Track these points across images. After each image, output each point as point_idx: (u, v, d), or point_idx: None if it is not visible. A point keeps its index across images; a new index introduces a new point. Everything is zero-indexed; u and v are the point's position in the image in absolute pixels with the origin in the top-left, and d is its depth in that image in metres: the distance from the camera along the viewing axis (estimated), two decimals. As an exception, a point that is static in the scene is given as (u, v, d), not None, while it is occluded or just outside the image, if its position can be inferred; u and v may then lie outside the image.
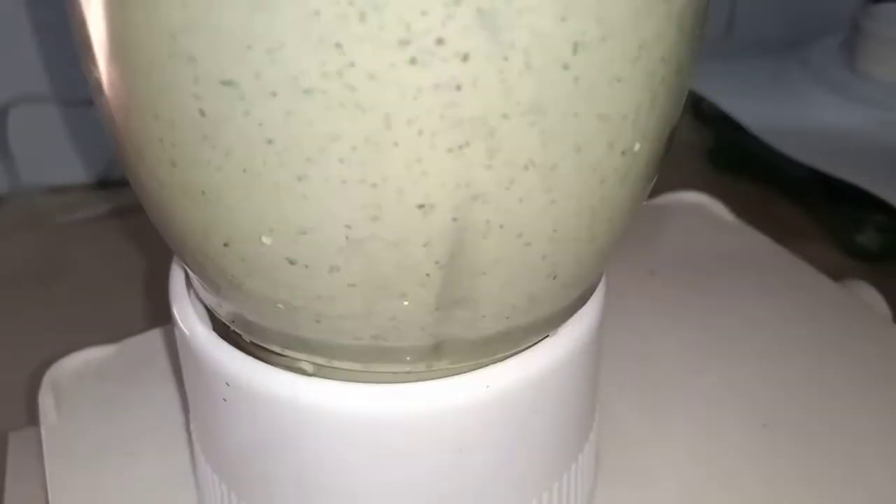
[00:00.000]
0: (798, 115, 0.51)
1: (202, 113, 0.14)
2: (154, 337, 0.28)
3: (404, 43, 0.12)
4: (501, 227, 0.15)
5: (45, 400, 0.26)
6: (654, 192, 0.38)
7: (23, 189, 0.48)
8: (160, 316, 0.32)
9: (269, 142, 0.14)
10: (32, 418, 0.27)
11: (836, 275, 0.33)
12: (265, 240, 0.15)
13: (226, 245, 0.16)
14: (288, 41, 0.12)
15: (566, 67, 0.13)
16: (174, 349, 0.22)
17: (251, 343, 0.18)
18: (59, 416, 0.26)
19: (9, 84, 0.46)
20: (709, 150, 0.55)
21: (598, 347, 0.20)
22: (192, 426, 0.22)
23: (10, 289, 0.42)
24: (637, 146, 0.16)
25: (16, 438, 0.28)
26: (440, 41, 0.12)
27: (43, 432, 0.25)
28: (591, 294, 0.20)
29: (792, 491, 0.24)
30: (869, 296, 0.31)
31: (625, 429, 0.25)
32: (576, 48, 0.13)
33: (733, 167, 0.53)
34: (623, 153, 0.16)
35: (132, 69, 0.14)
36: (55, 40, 0.45)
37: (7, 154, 0.47)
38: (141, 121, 0.15)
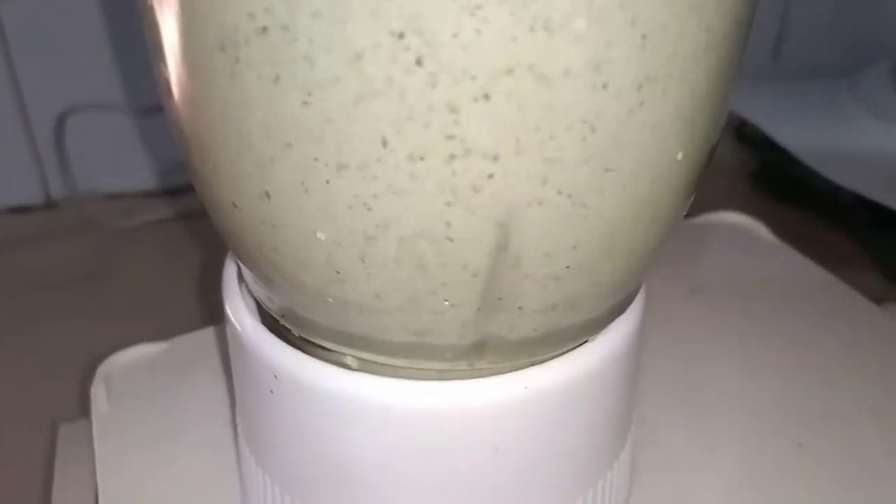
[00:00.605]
0: (844, 140, 0.51)
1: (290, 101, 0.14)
2: (203, 336, 0.29)
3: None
4: (547, 233, 0.16)
5: (98, 391, 0.27)
6: (696, 212, 0.39)
7: (78, 195, 0.49)
8: (209, 317, 0.33)
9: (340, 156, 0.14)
10: (84, 412, 0.29)
11: (881, 301, 0.33)
12: (320, 235, 0.16)
13: (281, 241, 0.16)
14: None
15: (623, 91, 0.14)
16: (224, 346, 0.23)
17: (299, 337, 0.19)
18: (111, 407, 0.27)
19: (66, 92, 0.47)
20: (752, 173, 0.55)
21: (637, 356, 0.21)
22: (238, 420, 0.23)
23: (63, 289, 0.43)
24: (679, 155, 0.16)
25: (66, 430, 0.29)
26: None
27: (94, 422, 0.26)
28: (630, 302, 0.20)
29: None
30: (912, 320, 0.31)
31: (662, 440, 0.25)
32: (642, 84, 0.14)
33: (777, 191, 0.53)
34: (666, 163, 0.16)
35: (199, 75, 0.15)
36: (112, 49, 0.47)
37: (64, 160, 0.48)
38: (209, 125, 0.16)
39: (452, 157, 0.14)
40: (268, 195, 0.16)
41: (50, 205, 0.50)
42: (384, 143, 0.14)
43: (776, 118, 0.53)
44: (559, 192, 0.15)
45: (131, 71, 0.48)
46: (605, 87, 0.14)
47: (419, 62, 0.13)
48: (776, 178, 0.54)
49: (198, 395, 0.27)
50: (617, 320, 0.20)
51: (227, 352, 0.22)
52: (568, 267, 0.17)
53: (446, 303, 0.17)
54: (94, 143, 0.49)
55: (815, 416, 0.27)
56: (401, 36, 0.13)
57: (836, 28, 0.62)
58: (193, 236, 0.48)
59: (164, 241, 0.47)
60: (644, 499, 0.24)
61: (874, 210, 0.46)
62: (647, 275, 0.21)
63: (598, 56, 0.14)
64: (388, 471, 0.19)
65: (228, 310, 0.20)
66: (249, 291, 0.21)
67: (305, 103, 0.14)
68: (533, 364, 0.19)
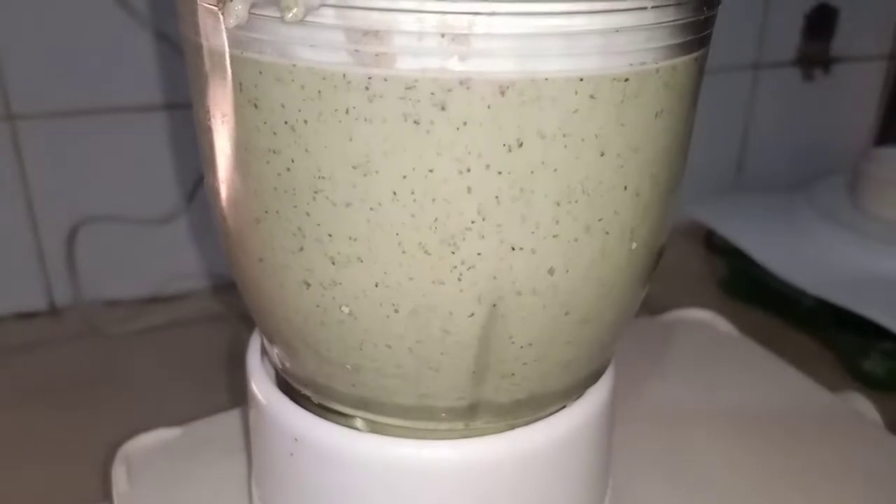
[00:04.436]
0: (805, 248, 0.55)
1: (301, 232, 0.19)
2: (215, 421, 0.32)
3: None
4: (529, 318, 0.20)
5: (118, 472, 0.30)
6: (665, 310, 0.43)
7: (82, 302, 0.53)
8: (210, 412, 0.36)
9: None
10: (99, 497, 0.31)
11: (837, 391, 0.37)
12: (344, 308, 0.20)
13: (313, 313, 0.20)
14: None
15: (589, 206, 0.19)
16: (244, 420, 0.26)
17: (317, 404, 0.23)
18: (131, 486, 0.29)
19: (79, 205, 0.52)
20: (721, 280, 0.59)
21: (610, 419, 0.24)
22: (254, 486, 0.26)
23: (68, 392, 0.46)
24: (634, 246, 0.20)
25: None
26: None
27: (115, 501, 0.29)
28: (601, 373, 0.24)
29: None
30: (862, 406, 0.35)
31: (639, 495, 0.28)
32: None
33: (745, 296, 0.57)
34: (619, 262, 0.20)
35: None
36: (121, 166, 0.51)
37: (73, 269, 0.52)
38: (258, 227, 0.20)
39: (454, 268, 0.18)
40: (307, 283, 0.20)
41: (54, 311, 0.54)
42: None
43: (741, 228, 0.58)
44: (534, 291, 0.19)
45: (138, 187, 0.52)
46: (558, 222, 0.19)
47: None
48: (743, 282, 0.58)
49: (211, 473, 0.30)
50: (590, 389, 0.24)
51: (246, 425, 0.25)
52: (547, 344, 0.21)
53: (446, 370, 0.20)
54: (100, 253, 0.53)
55: (773, 486, 0.30)
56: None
57: (794, 144, 0.68)
58: (190, 341, 0.51)
59: (164, 346, 0.50)
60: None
61: (835, 313, 0.50)
62: (614, 351, 0.24)
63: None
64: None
65: (252, 380, 0.24)
66: (272, 364, 0.24)
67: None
68: (519, 426, 0.22)
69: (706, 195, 0.63)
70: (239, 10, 0.17)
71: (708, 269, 0.61)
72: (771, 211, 0.59)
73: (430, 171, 0.18)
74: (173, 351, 0.50)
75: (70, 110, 0.50)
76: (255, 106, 0.18)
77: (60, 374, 0.48)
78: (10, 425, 0.43)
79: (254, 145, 0.19)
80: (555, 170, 0.18)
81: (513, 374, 0.21)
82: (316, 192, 0.18)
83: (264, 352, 0.25)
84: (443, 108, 0.17)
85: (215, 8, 0.18)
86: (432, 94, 0.17)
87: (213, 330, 0.51)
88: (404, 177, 0.18)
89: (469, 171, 0.18)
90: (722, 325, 0.39)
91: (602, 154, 0.18)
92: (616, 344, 0.24)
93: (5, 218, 0.51)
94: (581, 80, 0.17)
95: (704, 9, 0.19)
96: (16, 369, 0.48)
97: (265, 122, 0.18)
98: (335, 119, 0.17)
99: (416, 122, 0.17)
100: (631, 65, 0.18)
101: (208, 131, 0.20)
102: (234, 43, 0.18)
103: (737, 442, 0.32)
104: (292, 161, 0.18)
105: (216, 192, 0.21)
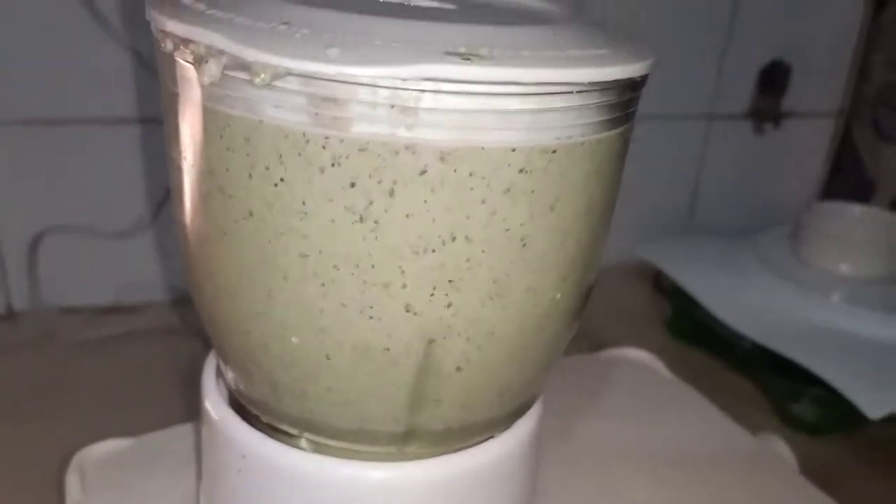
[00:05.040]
0: (746, 293, 0.58)
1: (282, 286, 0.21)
2: (167, 434, 0.34)
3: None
4: (462, 355, 0.22)
5: (72, 480, 0.32)
6: (609, 347, 0.46)
7: (41, 307, 0.54)
8: (163, 423, 0.38)
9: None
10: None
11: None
12: (294, 339, 0.22)
13: (264, 344, 0.23)
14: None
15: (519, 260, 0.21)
16: (196, 434, 0.28)
17: (266, 424, 0.25)
18: (84, 495, 0.31)
19: (41, 215, 0.53)
20: (666, 320, 0.62)
21: (536, 449, 0.27)
22: (202, 498, 0.28)
23: (23, 398, 0.47)
24: (558, 296, 0.23)
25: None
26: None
27: (68, 506, 0.31)
28: (528, 408, 0.27)
29: None
30: (780, 447, 0.38)
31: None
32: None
33: (688, 337, 0.60)
34: (545, 308, 0.23)
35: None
36: (83, 177, 0.53)
37: (33, 275, 0.54)
38: (218, 260, 0.22)
39: (415, 304, 0.21)
40: (260, 315, 0.22)
41: (11, 315, 0.55)
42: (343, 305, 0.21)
43: (687, 270, 0.61)
44: (466, 336, 0.22)
45: (104, 198, 0.54)
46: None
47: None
48: (687, 323, 0.61)
49: (162, 485, 0.32)
50: (518, 422, 0.26)
51: (197, 440, 0.28)
52: (477, 378, 0.23)
53: (384, 399, 0.23)
54: (62, 261, 0.54)
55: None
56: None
57: (744, 193, 0.72)
58: (147, 351, 0.52)
59: (120, 356, 0.52)
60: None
61: (768, 354, 0.53)
62: (541, 388, 0.27)
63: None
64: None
65: (206, 398, 0.26)
66: (226, 385, 0.26)
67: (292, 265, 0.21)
68: (452, 452, 0.25)
69: (657, 237, 0.67)
70: (213, 70, 0.19)
71: (654, 308, 0.64)
72: (717, 256, 0.63)
73: (373, 236, 0.20)
74: (129, 361, 0.51)
75: (38, 119, 0.51)
76: (223, 153, 0.20)
77: (16, 379, 0.49)
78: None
79: (217, 188, 0.21)
80: (485, 231, 0.21)
81: (444, 405, 0.23)
82: (269, 240, 0.21)
83: (219, 372, 0.27)
84: (392, 167, 0.20)
85: (192, 66, 0.20)
86: (379, 155, 0.19)
87: (170, 342, 0.53)
88: (350, 227, 0.20)
89: (411, 224, 0.20)
90: (657, 365, 0.42)
91: (530, 217, 0.21)
92: (542, 381, 0.26)
93: (-33, 223, 0.53)
94: (513, 150, 0.20)
95: (628, 91, 0.22)
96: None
97: (229, 169, 0.20)
98: (294, 171, 0.20)
99: (368, 177, 0.20)
100: (558, 139, 0.21)
101: (178, 170, 0.22)
102: (207, 97, 0.20)
103: (658, 479, 0.35)
104: (250, 208, 0.21)
105: (181, 224, 0.23)
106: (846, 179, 0.72)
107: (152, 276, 0.57)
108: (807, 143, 0.72)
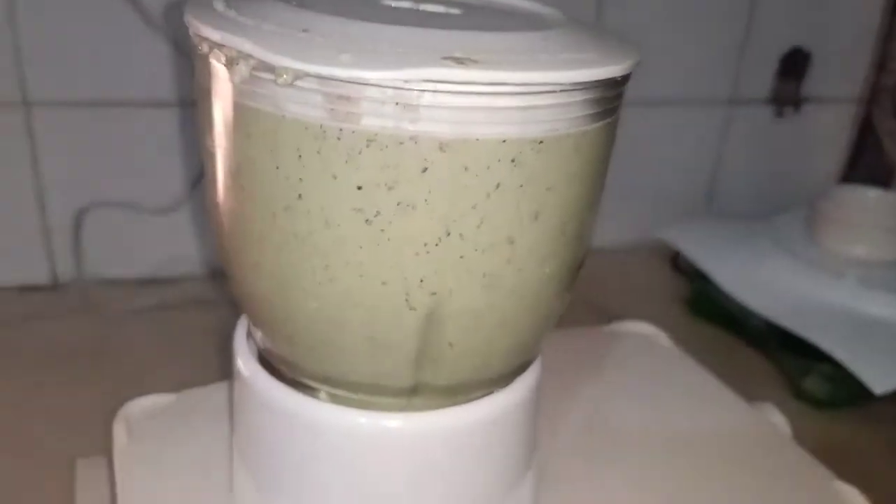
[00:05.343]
0: (761, 274, 0.61)
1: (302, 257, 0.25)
2: (205, 391, 0.38)
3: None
4: (461, 318, 0.26)
5: (118, 429, 0.36)
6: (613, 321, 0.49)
7: (83, 279, 0.59)
8: (199, 382, 0.41)
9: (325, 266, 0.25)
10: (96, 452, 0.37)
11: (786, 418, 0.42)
12: (313, 304, 0.26)
13: (287, 311, 0.26)
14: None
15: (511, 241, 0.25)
16: (230, 389, 0.32)
17: (290, 379, 0.29)
18: (129, 442, 0.35)
19: (86, 191, 0.58)
20: (686, 299, 0.65)
21: (534, 405, 0.30)
22: (235, 445, 0.32)
23: (67, 363, 0.52)
24: (547, 270, 0.26)
25: (83, 463, 0.37)
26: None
27: (115, 454, 0.35)
28: (527, 367, 0.30)
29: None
30: (775, 416, 0.41)
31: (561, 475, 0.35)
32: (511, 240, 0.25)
33: (706, 315, 0.63)
34: (537, 281, 0.26)
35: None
36: (126, 155, 0.57)
37: (77, 248, 0.58)
38: (247, 238, 0.26)
39: (420, 273, 0.24)
40: (285, 282, 0.26)
41: (56, 286, 0.60)
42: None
43: (705, 251, 0.64)
44: (465, 305, 0.25)
45: (145, 176, 0.58)
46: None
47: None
48: (704, 302, 0.63)
49: (199, 434, 0.36)
50: (518, 378, 0.30)
51: (231, 395, 0.32)
52: (475, 341, 0.27)
53: (392, 357, 0.26)
54: (104, 235, 0.59)
55: (685, 484, 0.36)
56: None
57: (763, 177, 0.74)
58: (185, 319, 0.57)
59: (158, 325, 0.56)
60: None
61: (781, 332, 0.56)
62: (539, 349, 0.30)
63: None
64: (343, 474, 0.28)
65: (238, 357, 0.30)
66: (255, 345, 0.30)
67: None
68: (455, 405, 0.28)
69: (676, 219, 0.70)
70: (243, 71, 0.23)
71: (673, 287, 0.67)
72: (734, 238, 0.66)
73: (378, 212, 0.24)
74: (168, 328, 0.56)
75: (84, 101, 0.56)
76: (251, 142, 0.24)
77: (62, 344, 0.54)
78: (12, 390, 0.49)
79: (246, 174, 0.25)
80: (481, 213, 0.24)
81: (445, 365, 0.27)
82: (286, 210, 0.24)
83: (249, 335, 0.31)
84: (399, 156, 0.23)
85: (224, 66, 0.24)
86: (387, 145, 0.23)
87: (205, 311, 0.57)
88: (360, 210, 0.24)
89: (414, 208, 0.24)
90: (661, 337, 0.45)
91: (521, 200, 0.24)
92: (538, 345, 0.30)
93: (17, 198, 0.57)
94: (504, 141, 0.23)
95: (611, 88, 0.25)
96: (17, 339, 0.54)
97: (257, 158, 0.24)
98: (313, 160, 0.23)
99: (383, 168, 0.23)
100: (546, 131, 0.24)
101: (211, 156, 0.26)
102: (237, 94, 0.24)
103: (651, 445, 0.38)
104: (274, 193, 0.24)
105: (214, 203, 0.27)
106: (866, 164, 0.74)
107: (190, 251, 0.61)
108: (827, 128, 0.74)
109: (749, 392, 0.44)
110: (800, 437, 0.41)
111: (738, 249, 0.64)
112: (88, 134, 0.57)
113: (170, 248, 0.61)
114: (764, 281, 0.61)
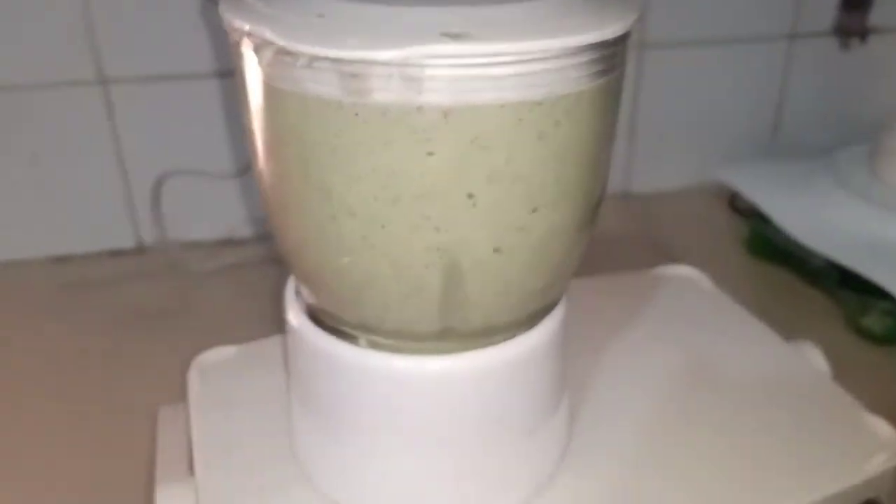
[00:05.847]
0: (820, 212, 0.62)
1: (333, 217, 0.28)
2: (265, 342, 0.43)
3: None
4: (482, 264, 0.29)
5: (193, 377, 0.40)
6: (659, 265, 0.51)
7: (165, 242, 0.64)
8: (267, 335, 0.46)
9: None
10: (175, 400, 0.42)
11: (843, 354, 0.44)
12: (346, 260, 0.29)
13: (326, 266, 0.30)
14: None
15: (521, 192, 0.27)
16: (284, 341, 0.36)
17: (333, 328, 0.32)
18: (202, 388, 0.40)
19: (163, 160, 0.63)
20: (744, 239, 0.66)
21: (561, 343, 0.34)
22: (292, 389, 0.36)
23: (153, 320, 0.57)
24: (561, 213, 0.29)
25: (165, 410, 0.42)
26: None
27: (190, 398, 0.40)
28: (553, 307, 0.33)
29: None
30: (812, 354, 0.43)
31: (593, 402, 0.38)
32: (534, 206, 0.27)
33: (764, 255, 0.64)
34: (548, 226, 0.29)
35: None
36: (198, 125, 0.62)
37: (158, 213, 0.63)
38: (285, 204, 0.29)
39: (437, 229, 0.28)
40: (324, 241, 0.29)
41: (141, 249, 0.65)
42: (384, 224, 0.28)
43: (763, 191, 0.65)
44: (485, 251, 0.28)
45: (216, 144, 0.63)
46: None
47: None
48: (763, 242, 0.65)
49: (262, 380, 0.40)
50: (542, 322, 0.33)
51: (285, 345, 0.36)
52: (499, 284, 0.30)
53: (420, 303, 0.30)
54: (182, 200, 0.64)
55: (718, 416, 0.39)
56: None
57: (829, 111, 0.74)
58: (258, 279, 0.61)
59: (233, 282, 0.61)
60: (580, 444, 0.36)
61: (840, 271, 0.57)
62: (561, 293, 0.33)
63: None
64: (383, 411, 0.32)
65: (288, 311, 0.34)
66: (303, 299, 0.34)
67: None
68: (483, 346, 0.32)
69: (741, 157, 0.70)
70: (268, 56, 0.26)
71: (732, 228, 0.68)
72: (792, 176, 0.66)
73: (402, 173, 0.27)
74: (243, 287, 0.61)
75: (157, 75, 0.60)
76: (279, 119, 0.27)
77: (146, 302, 0.59)
78: (101, 346, 0.54)
79: (280, 145, 0.28)
80: (490, 167, 0.27)
81: (469, 310, 0.30)
82: (319, 178, 0.28)
83: (297, 290, 0.35)
84: (410, 124, 0.26)
85: (253, 52, 0.27)
86: (398, 117, 0.26)
87: (279, 269, 0.62)
88: (388, 173, 0.27)
89: (433, 154, 0.27)
90: (704, 280, 0.48)
91: (527, 156, 0.27)
92: (561, 287, 0.33)
93: (100, 169, 0.62)
94: (502, 106, 0.26)
95: (606, 49, 0.27)
96: (106, 298, 0.60)
97: (287, 132, 0.27)
98: (335, 131, 0.27)
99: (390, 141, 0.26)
100: (544, 94, 0.26)
101: (250, 132, 0.30)
102: (266, 76, 0.27)
103: (685, 384, 0.41)
104: (305, 156, 0.28)
105: (260, 173, 0.31)
106: (934, 95, 0.73)
107: (258, 213, 0.66)
108: (895, 58, 0.73)
109: (806, 330, 0.46)
110: (854, 374, 0.43)
111: (797, 188, 0.65)
112: (162, 106, 0.61)
113: (243, 209, 0.66)
114: (824, 219, 0.61)
